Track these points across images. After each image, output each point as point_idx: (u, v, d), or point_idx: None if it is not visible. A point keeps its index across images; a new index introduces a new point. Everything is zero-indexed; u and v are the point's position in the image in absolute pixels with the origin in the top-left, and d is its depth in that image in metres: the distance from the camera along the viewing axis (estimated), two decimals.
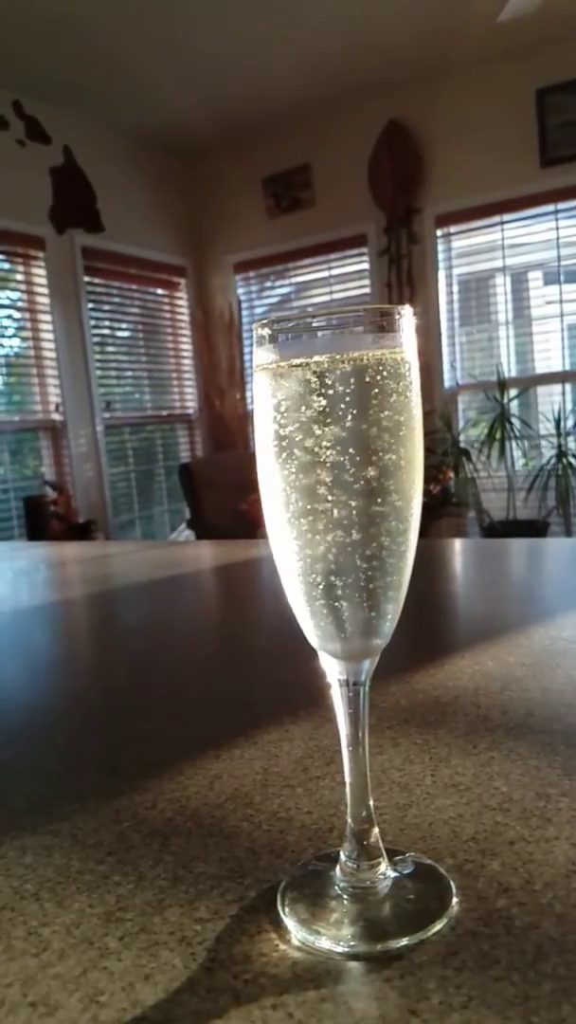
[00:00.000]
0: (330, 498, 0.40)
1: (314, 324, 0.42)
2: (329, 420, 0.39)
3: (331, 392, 0.39)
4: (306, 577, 0.42)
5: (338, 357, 0.39)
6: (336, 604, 0.42)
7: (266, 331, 0.42)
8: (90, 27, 4.39)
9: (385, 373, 0.40)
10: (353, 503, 0.40)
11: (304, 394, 0.40)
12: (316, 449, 0.40)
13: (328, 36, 4.73)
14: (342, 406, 0.39)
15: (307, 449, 0.40)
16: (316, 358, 0.40)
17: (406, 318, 0.41)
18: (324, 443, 0.40)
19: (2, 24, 4.28)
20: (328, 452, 0.40)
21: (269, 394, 0.41)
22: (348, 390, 0.39)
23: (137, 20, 4.37)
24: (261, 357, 0.42)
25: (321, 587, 0.42)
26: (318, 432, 0.40)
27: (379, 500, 0.40)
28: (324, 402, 0.39)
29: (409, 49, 4.99)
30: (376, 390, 0.40)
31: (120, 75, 5.01)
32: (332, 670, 0.45)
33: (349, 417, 0.39)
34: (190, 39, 4.64)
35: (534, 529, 5.20)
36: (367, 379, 0.40)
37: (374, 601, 0.42)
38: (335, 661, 0.44)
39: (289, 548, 0.42)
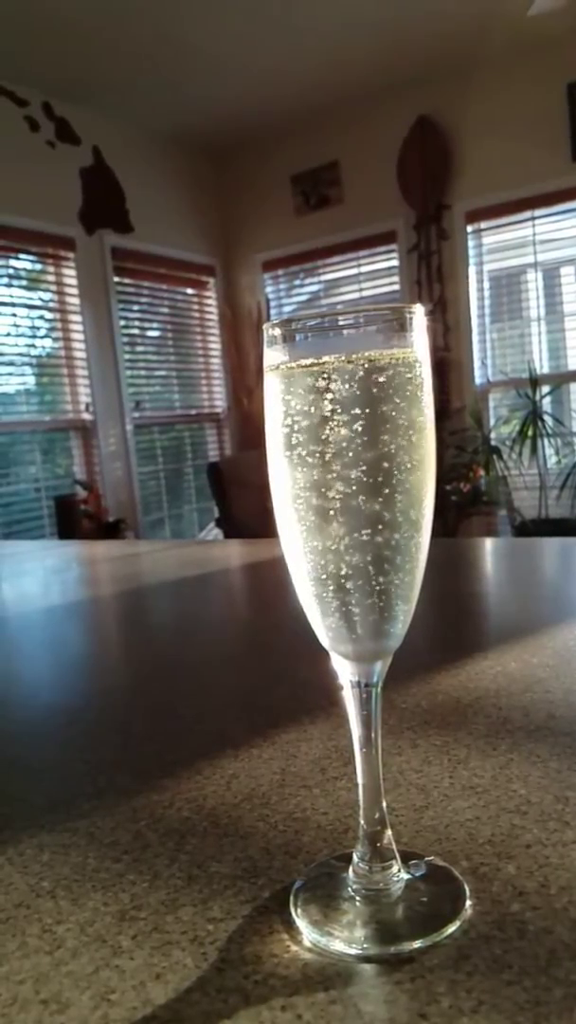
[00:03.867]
0: (340, 499, 0.40)
1: (324, 325, 0.42)
2: (339, 421, 0.39)
3: (341, 393, 0.39)
4: (317, 578, 0.42)
5: (348, 357, 0.39)
6: (347, 606, 0.42)
7: (276, 332, 0.42)
8: (118, 28, 4.41)
9: (396, 373, 0.40)
10: (363, 504, 0.40)
11: (314, 395, 0.40)
12: (326, 450, 0.40)
13: (356, 32, 4.73)
14: (352, 407, 0.39)
15: (317, 450, 0.40)
16: (326, 358, 0.39)
17: (417, 318, 0.41)
18: (334, 444, 0.40)
19: (31, 26, 4.31)
20: (338, 453, 0.40)
21: (279, 395, 0.41)
22: (358, 390, 0.39)
23: (165, 21, 4.38)
24: (271, 358, 0.42)
25: (332, 588, 0.42)
26: (328, 433, 0.40)
27: (390, 501, 0.40)
28: (334, 403, 0.39)
29: (438, 45, 4.97)
30: (387, 390, 0.40)
31: (149, 76, 5.04)
32: (344, 672, 0.45)
33: (359, 418, 0.39)
34: (218, 38, 4.65)
35: (567, 528, 5.16)
36: (377, 379, 0.39)
37: (385, 603, 0.42)
38: (347, 663, 0.44)
39: (300, 549, 0.42)
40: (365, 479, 0.40)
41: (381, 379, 0.40)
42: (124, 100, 5.37)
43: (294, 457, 0.41)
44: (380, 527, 0.40)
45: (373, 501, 0.40)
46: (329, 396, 0.39)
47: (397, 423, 0.40)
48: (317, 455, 0.40)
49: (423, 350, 0.41)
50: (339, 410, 0.39)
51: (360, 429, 0.39)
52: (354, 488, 0.40)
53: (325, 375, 0.39)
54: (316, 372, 0.40)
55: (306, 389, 0.40)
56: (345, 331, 0.41)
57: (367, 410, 0.39)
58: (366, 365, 0.39)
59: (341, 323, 0.42)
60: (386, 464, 0.40)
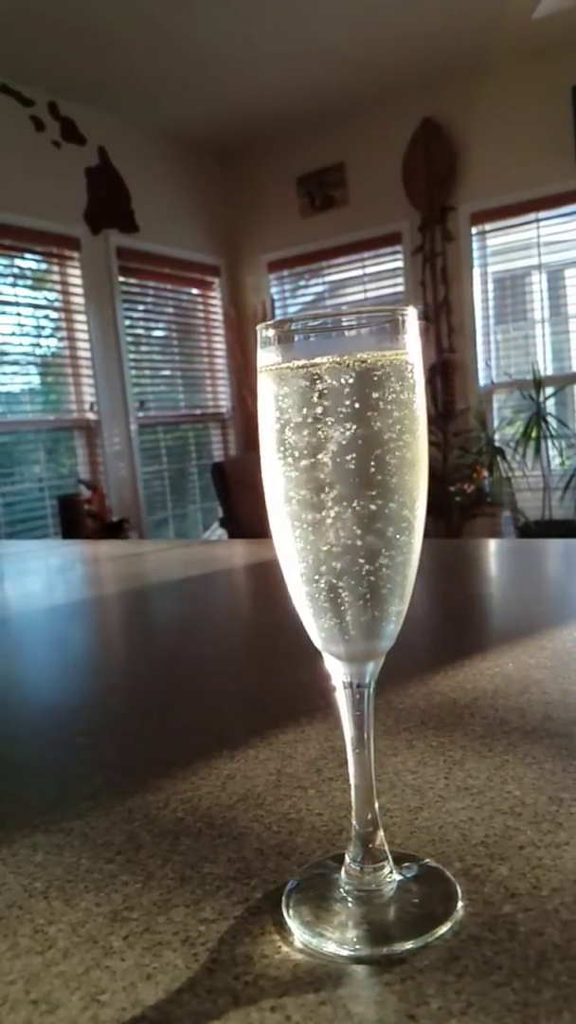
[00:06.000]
0: (332, 500, 0.40)
1: (316, 326, 0.42)
2: (331, 422, 0.39)
3: (333, 394, 0.39)
4: (309, 579, 0.42)
5: (340, 359, 0.39)
6: (339, 606, 0.42)
7: (270, 333, 0.42)
8: (124, 28, 4.42)
9: (387, 375, 0.40)
10: (355, 505, 0.40)
11: (306, 396, 0.40)
12: (317, 451, 0.40)
13: (362, 34, 4.73)
14: (344, 408, 0.39)
15: (309, 451, 0.40)
16: (318, 360, 0.39)
17: (410, 320, 0.41)
18: (326, 445, 0.40)
19: (37, 26, 4.31)
20: (330, 454, 0.40)
21: (272, 396, 0.41)
22: (350, 392, 0.39)
23: (171, 21, 4.38)
24: (265, 359, 0.42)
25: (324, 589, 0.42)
26: (320, 434, 0.40)
27: (381, 502, 0.40)
28: (326, 404, 0.39)
29: (443, 47, 4.97)
30: (378, 392, 0.40)
31: (154, 76, 5.04)
32: (337, 672, 0.45)
33: (351, 419, 0.39)
34: (223, 39, 4.65)
35: (570, 529, 5.15)
36: (369, 381, 0.40)
37: (377, 603, 0.42)
38: (339, 663, 0.44)
39: (292, 549, 0.42)
40: (356, 480, 0.40)
41: (373, 381, 0.40)
42: (130, 100, 5.37)
43: (286, 457, 0.41)
44: (372, 528, 0.40)
45: (365, 502, 0.40)
46: (321, 397, 0.39)
47: (388, 424, 0.40)
48: (309, 456, 0.40)
49: (415, 352, 0.42)
50: (331, 411, 0.39)
51: (351, 430, 0.39)
52: (345, 489, 0.40)
53: (317, 376, 0.39)
54: (308, 373, 0.40)
55: (298, 390, 0.40)
56: (338, 332, 0.41)
57: (358, 411, 0.39)
58: (358, 367, 0.39)
59: (333, 324, 0.42)
60: (377, 465, 0.40)
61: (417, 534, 0.43)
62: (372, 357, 0.40)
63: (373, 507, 0.40)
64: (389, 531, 0.41)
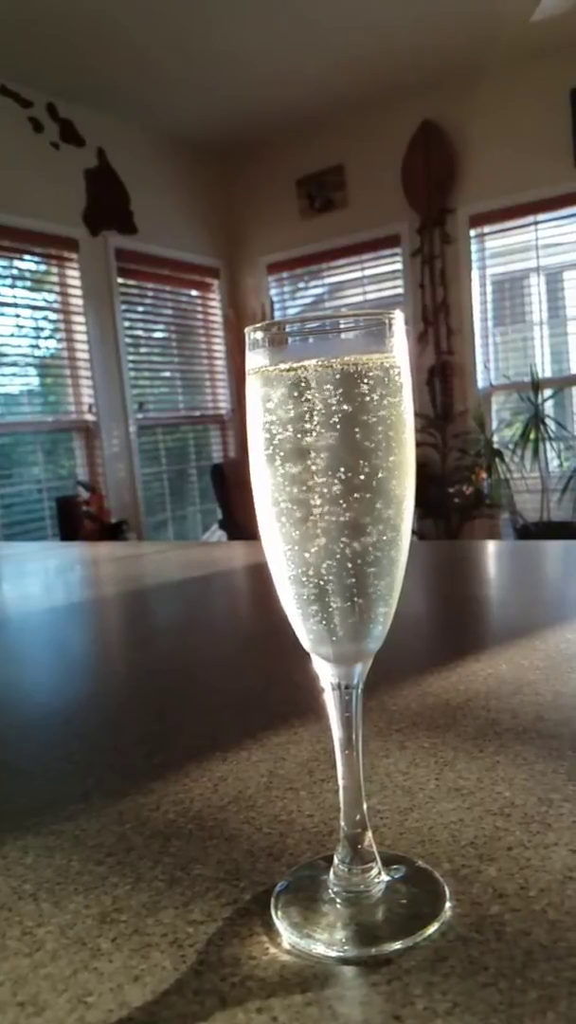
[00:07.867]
0: (318, 502, 0.40)
1: (303, 329, 0.42)
2: (317, 425, 0.39)
3: (319, 397, 0.39)
4: (297, 580, 0.42)
5: (326, 362, 0.39)
6: (326, 607, 0.42)
7: (258, 335, 0.42)
8: (123, 29, 4.42)
9: (374, 378, 0.40)
10: (341, 508, 0.40)
11: (293, 399, 0.40)
12: (304, 453, 0.40)
13: (362, 37, 4.73)
14: (330, 411, 0.39)
15: (296, 453, 0.40)
16: (305, 363, 0.40)
17: (397, 323, 0.41)
18: (313, 448, 0.40)
19: (37, 27, 4.32)
20: (317, 456, 0.40)
21: (259, 398, 0.41)
22: (337, 395, 0.39)
23: (170, 22, 4.39)
24: (253, 361, 0.42)
25: (311, 590, 0.42)
26: (307, 437, 0.40)
27: (368, 505, 0.40)
28: (313, 407, 0.39)
29: (443, 49, 4.97)
30: (365, 395, 0.40)
31: (153, 77, 5.04)
32: (325, 674, 0.45)
33: (337, 422, 0.39)
34: (223, 40, 4.65)
35: (569, 531, 5.15)
36: (356, 384, 0.40)
37: (365, 604, 0.42)
38: (328, 665, 0.44)
39: (280, 551, 0.42)
40: (343, 483, 0.40)
41: (359, 383, 0.40)
42: (129, 102, 5.38)
43: (274, 460, 0.41)
44: (358, 530, 0.41)
45: (351, 504, 0.40)
46: (307, 400, 0.39)
47: (375, 427, 0.40)
48: (296, 457, 0.40)
49: (402, 355, 0.42)
50: (317, 414, 0.39)
51: (338, 433, 0.39)
52: (332, 491, 0.40)
53: (303, 379, 0.40)
54: (295, 376, 0.40)
55: (285, 393, 0.40)
56: (325, 336, 0.41)
57: (345, 414, 0.39)
58: (344, 369, 0.39)
59: (320, 327, 0.42)
60: (364, 468, 0.40)
61: (404, 535, 0.43)
62: (358, 360, 0.40)
63: (359, 508, 0.40)
64: (376, 532, 0.41)
